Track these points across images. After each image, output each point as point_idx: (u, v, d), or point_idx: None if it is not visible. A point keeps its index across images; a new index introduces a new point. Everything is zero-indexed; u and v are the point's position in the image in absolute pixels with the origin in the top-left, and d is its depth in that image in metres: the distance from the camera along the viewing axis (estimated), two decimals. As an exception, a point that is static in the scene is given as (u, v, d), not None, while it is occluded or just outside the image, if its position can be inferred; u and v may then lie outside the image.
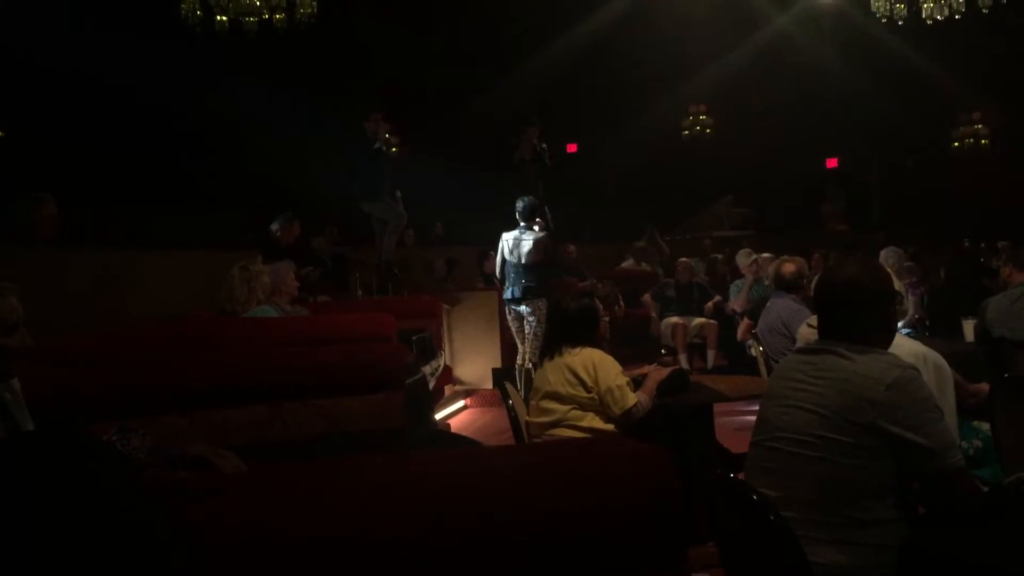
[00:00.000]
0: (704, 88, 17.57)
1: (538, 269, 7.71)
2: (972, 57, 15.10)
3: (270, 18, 7.80)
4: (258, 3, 7.68)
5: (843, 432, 2.39)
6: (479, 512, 1.84)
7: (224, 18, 7.71)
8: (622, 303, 9.88)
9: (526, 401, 4.59)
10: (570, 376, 4.14)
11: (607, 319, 4.77)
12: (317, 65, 12.87)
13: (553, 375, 4.22)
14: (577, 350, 4.23)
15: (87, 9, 10.58)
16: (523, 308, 7.63)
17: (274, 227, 8.45)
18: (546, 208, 10.85)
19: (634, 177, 17.89)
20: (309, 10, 7.89)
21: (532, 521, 1.85)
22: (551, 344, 4.41)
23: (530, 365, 7.16)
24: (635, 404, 4.12)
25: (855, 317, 2.57)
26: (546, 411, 4.19)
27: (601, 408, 4.13)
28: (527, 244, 7.68)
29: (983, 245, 12.43)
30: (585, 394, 4.13)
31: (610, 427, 4.14)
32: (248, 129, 11.89)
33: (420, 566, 1.78)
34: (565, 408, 4.14)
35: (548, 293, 7.64)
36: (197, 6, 7.63)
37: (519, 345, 7.71)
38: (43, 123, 10.73)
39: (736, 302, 9.39)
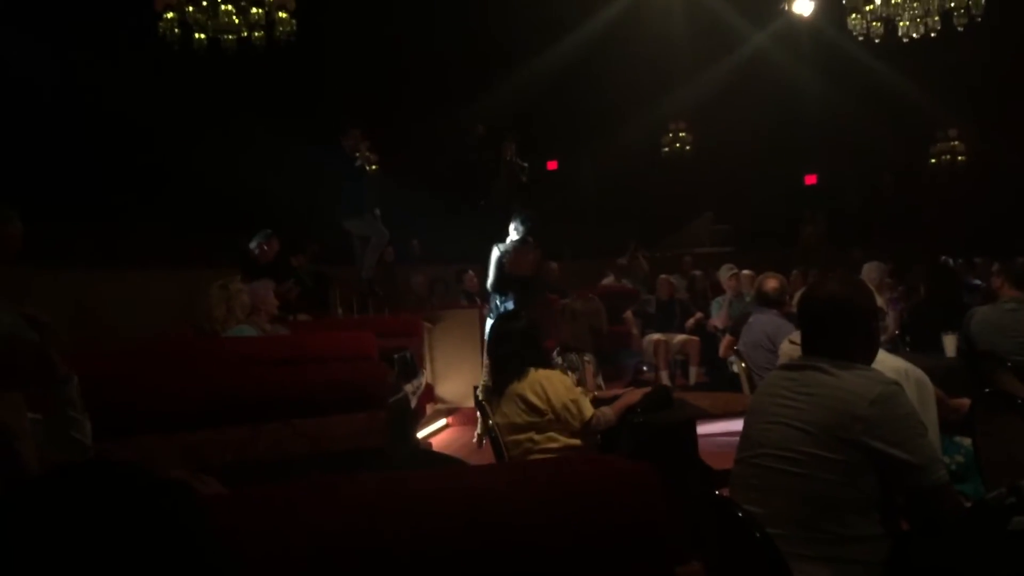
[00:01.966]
0: (683, 106, 17.67)
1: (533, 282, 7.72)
2: (948, 75, 15.27)
3: (249, 36, 7.79)
4: (237, 21, 7.67)
5: (827, 448, 2.39)
6: (463, 532, 1.82)
7: (203, 36, 7.69)
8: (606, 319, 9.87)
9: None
10: (521, 404, 4.10)
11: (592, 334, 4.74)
12: (292, 82, 12.85)
13: (507, 407, 4.17)
14: (524, 375, 4.17)
15: (58, 26, 10.53)
16: None
17: (252, 245, 8.39)
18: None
19: (614, 194, 17.94)
20: (288, 28, 7.88)
21: (517, 540, 1.83)
22: (495, 379, 4.33)
23: None
24: (593, 416, 4.11)
25: (838, 333, 2.58)
26: (515, 444, 4.15)
27: (559, 425, 4.09)
28: (521, 256, 7.65)
29: (960, 261, 12.55)
30: (538, 418, 4.08)
31: (575, 441, 4.12)
32: (224, 146, 11.85)
33: (404, 588, 1.75)
34: (526, 436, 4.11)
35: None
36: (176, 24, 7.60)
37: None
38: (9, 139, 10.66)
39: (717, 318, 9.42)
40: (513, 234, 7.75)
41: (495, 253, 7.67)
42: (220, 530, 1.76)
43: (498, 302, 7.58)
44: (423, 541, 1.78)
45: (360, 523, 1.79)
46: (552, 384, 4.12)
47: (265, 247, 8.40)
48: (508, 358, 4.27)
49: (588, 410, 4.10)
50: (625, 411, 4.29)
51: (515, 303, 7.46)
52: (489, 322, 7.54)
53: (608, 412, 4.20)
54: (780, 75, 16.24)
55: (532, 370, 4.18)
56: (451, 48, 14.31)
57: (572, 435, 4.10)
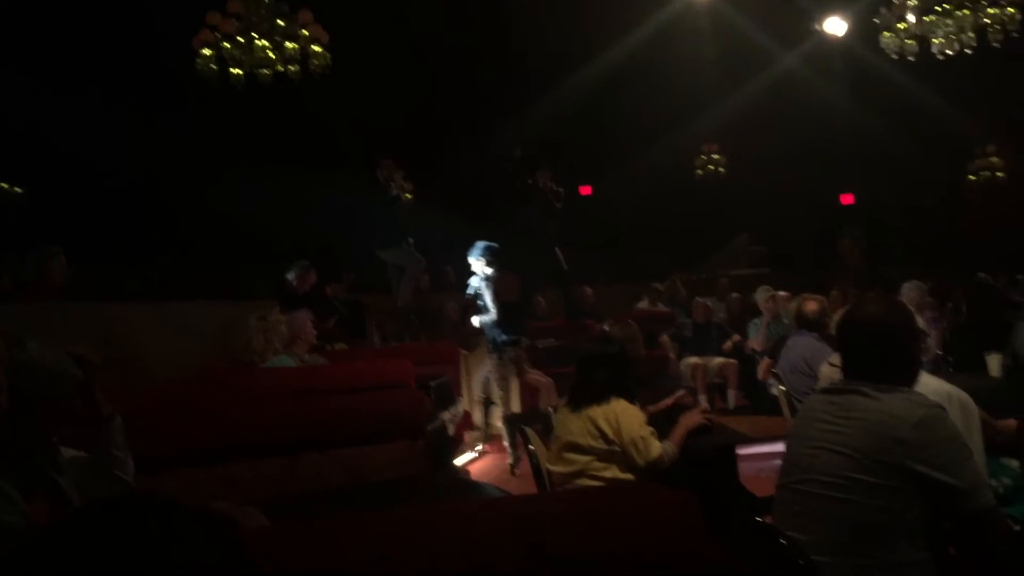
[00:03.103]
0: (716, 127, 17.63)
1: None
2: (985, 91, 15.11)
3: (284, 70, 7.90)
4: (272, 55, 7.79)
5: (871, 473, 2.36)
6: (507, 563, 1.81)
7: (239, 71, 7.82)
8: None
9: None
10: (592, 428, 4.07)
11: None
12: (325, 115, 13.00)
13: (574, 425, 4.14)
14: (606, 401, 4.14)
15: (93, 78, 10.80)
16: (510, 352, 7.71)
17: (290, 276, 8.47)
18: (557, 249, 10.92)
19: (648, 218, 17.91)
20: (323, 61, 7.99)
21: (558, 571, 1.83)
22: (576, 394, 4.32)
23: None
24: (660, 454, 4.04)
25: (879, 356, 2.55)
26: (567, 461, 4.12)
27: (623, 459, 4.05)
28: (508, 283, 7.80)
29: (1002, 278, 12.35)
30: (605, 446, 4.05)
31: (630, 476, 4.06)
32: (260, 179, 12.03)
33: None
34: (586, 459, 4.07)
35: None
36: (213, 60, 7.74)
37: (503, 393, 7.66)
38: (58, 184, 10.92)
39: (755, 341, 9.34)
40: (477, 266, 7.83)
41: (482, 287, 7.74)
42: (263, 564, 1.77)
43: (497, 336, 7.64)
44: (465, 572, 1.78)
45: (401, 555, 1.79)
46: (627, 417, 4.08)
47: (302, 278, 8.48)
48: (599, 380, 4.23)
49: (656, 449, 4.04)
50: (687, 438, 4.25)
51: (511, 330, 7.53)
52: (489, 363, 7.61)
53: (670, 446, 4.14)
54: (813, 95, 16.16)
55: (614, 399, 4.15)
56: (481, 76, 14.39)
57: (630, 470, 4.05)
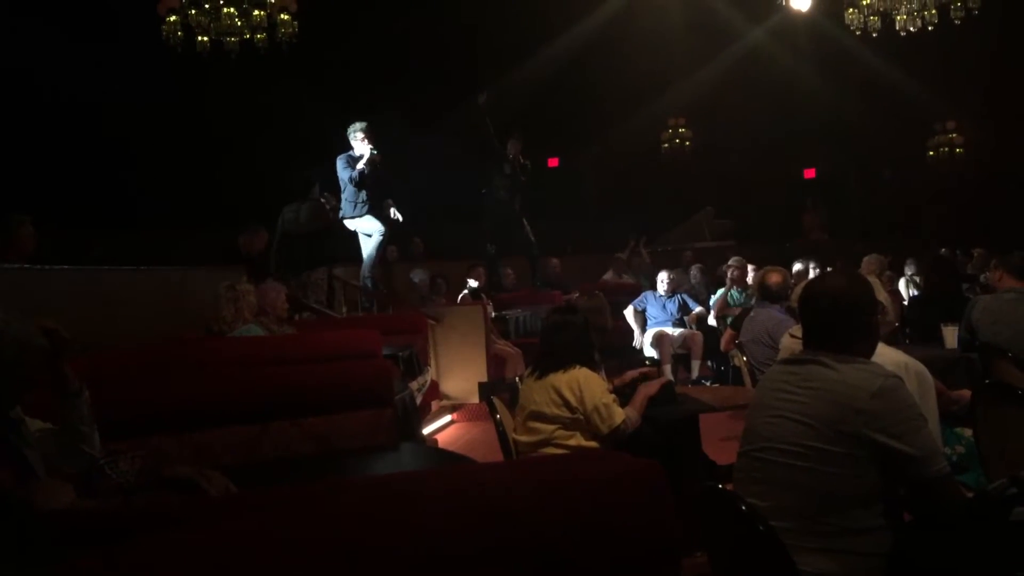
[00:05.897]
0: (682, 101, 17.69)
1: None
2: (946, 67, 15.27)
3: (251, 38, 7.82)
4: (239, 23, 7.70)
5: (829, 441, 2.42)
6: (472, 530, 1.84)
7: (205, 38, 7.72)
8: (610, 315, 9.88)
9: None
10: (555, 396, 4.10)
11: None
12: (292, 80, 12.87)
13: (538, 395, 4.17)
14: (568, 368, 4.17)
15: (78, 36, 10.58)
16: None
17: (241, 238, 8.36)
18: (524, 220, 10.96)
19: (615, 190, 17.96)
20: (290, 30, 7.91)
21: (525, 538, 1.86)
22: (540, 362, 4.35)
23: None
24: (623, 420, 4.09)
25: (838, 327, 2.61)
26: (532, 430, 4.16)
27: (587, 426, 4.09)
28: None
29: (958, 252, 12.58)
30: (569, 414, 4.09)
31: (594, 444, 4.10)
32: (228, 147, 11.90)
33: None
34: (551, 428, 4.11)
35: None
36: (178, 27, 7.64)
37: None
38: (24, 147, 10.69)
39: (713, 307, 9.45)
40: None
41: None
42: (229, 527, 1.79)
43: None
44: (431, 539, 1.81)
45: (367, 524, 1.81)
46: (589, 385, 4.11)
47: (251, 239, 8.36)
48: (561, 346, 4.26)
49: (618, 416, 4.08)
50: (647, 405, 4.31)
51: None
52: None
53: (632, 413, 4.19)
54: (778, 69, 16.23)
55: (577, 367, 4.18)
56: (450, 45, 14.30)
57: (594, 438, 4.10)
